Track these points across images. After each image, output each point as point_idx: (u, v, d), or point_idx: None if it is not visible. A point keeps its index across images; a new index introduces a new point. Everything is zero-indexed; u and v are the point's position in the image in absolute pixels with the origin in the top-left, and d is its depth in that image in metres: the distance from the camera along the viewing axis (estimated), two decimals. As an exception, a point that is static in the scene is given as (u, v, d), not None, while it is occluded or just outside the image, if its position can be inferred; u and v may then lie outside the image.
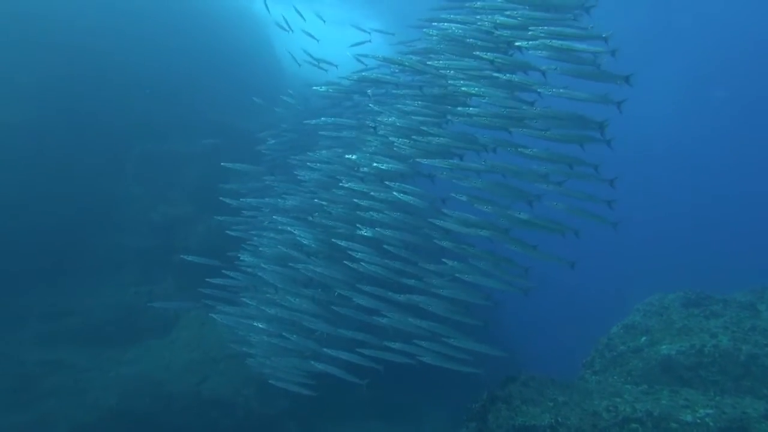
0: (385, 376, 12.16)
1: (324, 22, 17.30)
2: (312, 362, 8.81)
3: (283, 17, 14.56)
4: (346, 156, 8.74)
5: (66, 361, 10.86)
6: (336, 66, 13.20)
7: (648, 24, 24.56)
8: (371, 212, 8.30)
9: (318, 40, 15.37)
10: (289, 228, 9.39)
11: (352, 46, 13.80)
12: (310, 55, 13.30)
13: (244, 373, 10.93)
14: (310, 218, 9.39)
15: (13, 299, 12.00)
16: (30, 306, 12.18)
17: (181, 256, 11.30)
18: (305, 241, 9.19)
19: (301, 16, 15.33)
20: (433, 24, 8.60)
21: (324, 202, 9.21)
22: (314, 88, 10.24)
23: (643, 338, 8.14)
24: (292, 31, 14.29)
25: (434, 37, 8.59)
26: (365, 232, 8.25)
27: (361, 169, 8.55)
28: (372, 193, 8.30)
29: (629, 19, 21.79)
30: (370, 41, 14.15)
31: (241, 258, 10.30)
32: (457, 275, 7.93)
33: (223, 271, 10.36)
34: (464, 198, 7.41)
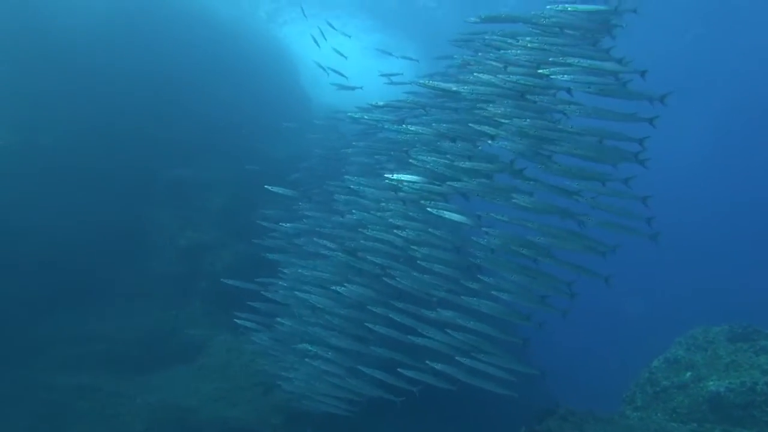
0: (415, 407, 11.98)
1: (349, 37, 17.51)
2: (350, 380, 8.63)
3: (319, 29, 14.81)
4: (386, 175, 8.68)
5: (93, 386, 10.81)
6: (361, 88, 13.40)
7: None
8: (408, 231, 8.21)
9: (346, 57, 15.58)
10: (329, 251, 9.32)
11: (382, 75, 13.91)
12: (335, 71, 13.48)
13: (271, 401, 10.79)
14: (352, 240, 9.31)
15: (41, 324, 12.04)
16: (57, 331, 12.19)
17: (222, 279, 11.24)
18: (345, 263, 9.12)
19: (323, 36, 15.68)
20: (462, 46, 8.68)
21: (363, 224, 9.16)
22: (349, 113, 10.23)
23: (688, 373, 7.83)
24: (320, 45, 14.54)
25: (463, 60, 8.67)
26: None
27: (400, 190, 8.47)
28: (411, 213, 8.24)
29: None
30: (402, 74, 14.26)
31: (279, 279, 10.27)
32: (495, 293, 7.71)
33: (263, 292, 10.31)
34: (505, 219, 7.27)
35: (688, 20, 23.68)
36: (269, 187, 11.26)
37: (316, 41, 15.51)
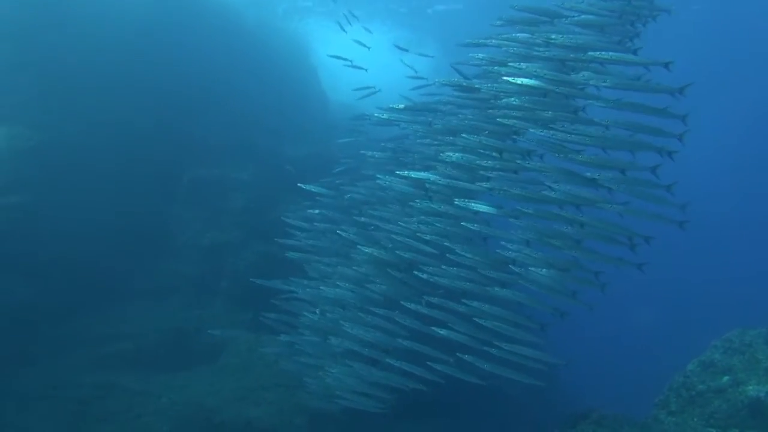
0: (438, 410, 11.87)
1: (371, 32, 17.44)
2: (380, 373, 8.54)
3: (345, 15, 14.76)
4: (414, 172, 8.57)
5: (119, 385, 10.87)
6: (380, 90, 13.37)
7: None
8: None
9: (369, 47, 15.56)
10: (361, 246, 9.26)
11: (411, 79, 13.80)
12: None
13: (294, 401, 10.76)
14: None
15: (66, 324, 12.15)
16: (82, 330, 12.30)
17: (251, 279, 11.24)
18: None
19: (348, 23, 15.70)
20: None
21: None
22: (375, 114, 10.11)
23: (725, 378, 7.58)
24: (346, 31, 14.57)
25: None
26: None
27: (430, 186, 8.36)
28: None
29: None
30: (427, 82, 14.17)
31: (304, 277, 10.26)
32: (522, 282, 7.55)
33: (290, 288, 10.25)
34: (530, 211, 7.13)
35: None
36: (303, 185, 11.19)
37: (342, 27, 15.54)
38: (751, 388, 7.08)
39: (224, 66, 17.16)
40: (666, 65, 7.04)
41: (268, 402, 10.71)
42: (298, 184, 11.49)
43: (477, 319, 7.50)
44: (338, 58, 15.64)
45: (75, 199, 13.05)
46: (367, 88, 13.58)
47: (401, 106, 10.46)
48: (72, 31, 14.42)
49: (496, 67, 8.01)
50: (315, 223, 11.18)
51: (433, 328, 7.97)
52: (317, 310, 9.68)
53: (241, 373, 11.70)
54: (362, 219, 9.94)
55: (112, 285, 13.05)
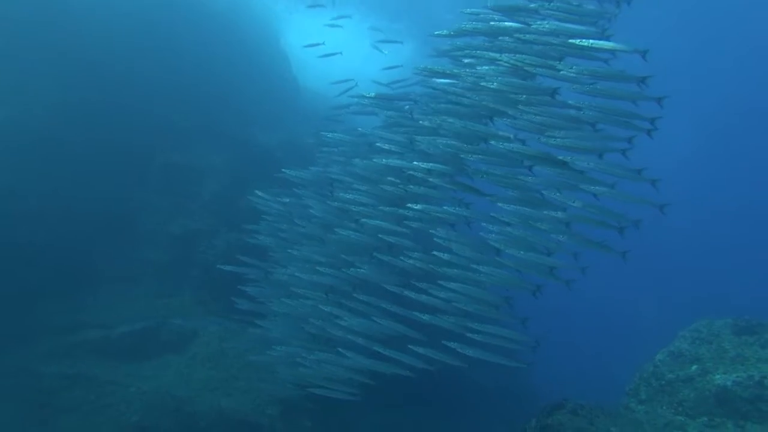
0: (408, 401, 11.92)
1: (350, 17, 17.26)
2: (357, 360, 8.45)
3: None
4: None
5: (85, 375, 10.54)
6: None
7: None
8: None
9: (342, 26, 15.38)
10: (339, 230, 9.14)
11: (385, 69, 13.71)
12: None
13: (267, 391, 10.64)
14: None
15: (29, 312, 11.70)
16: (46, 318, 11.86)
17: (219, 266, 11.02)
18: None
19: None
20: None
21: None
22: (365, 95, 9.92)
23: (694, 367, 7.81)
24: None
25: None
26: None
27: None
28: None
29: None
30: (401, 65, 14.09)
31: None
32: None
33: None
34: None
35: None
36: (286, 171, 10.99)
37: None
38: (718, 377, 7.31)
39: (195, 50, 16.74)
40: (642, 54, 7.11)
41: (240, 391, 10.56)
42: (282, 170, 11.21)
43: (456, 304, 7.47)
44: (314, 45, 15.43)
45: (39, 183, 12.57)
46: (346, 81, 13.41)
47: (372, 94, 10.35)
48: (40, 15, 13.85)
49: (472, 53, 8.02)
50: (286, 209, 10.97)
51: (415, 313, 7.88)
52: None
53: (212, 363, 11.50)
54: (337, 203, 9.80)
55: (76, 272, 12.64)
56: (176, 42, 16.15)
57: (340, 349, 8.52)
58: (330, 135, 11.51)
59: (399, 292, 8.22)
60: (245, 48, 19.59)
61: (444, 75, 8.63)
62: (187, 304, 13.31)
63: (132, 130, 14.36)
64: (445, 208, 7.93)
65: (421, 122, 8.29)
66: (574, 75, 7.18)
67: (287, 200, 11.26)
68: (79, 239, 12.70)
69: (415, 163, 8.01)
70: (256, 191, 11.60)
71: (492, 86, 7.40)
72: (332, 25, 15.48)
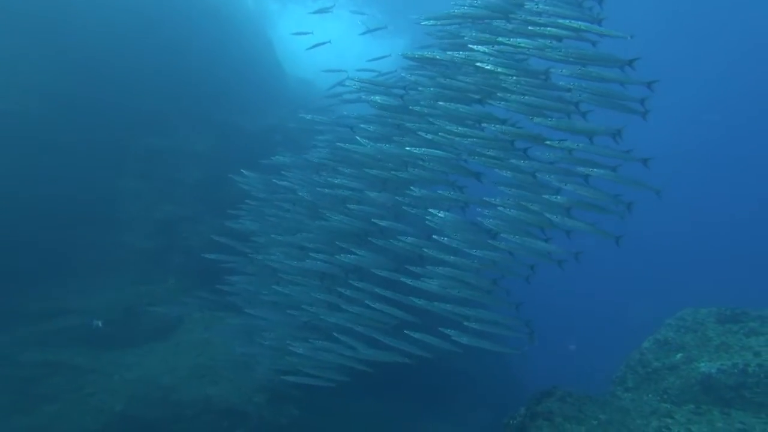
0: (393, 389, 11.95)
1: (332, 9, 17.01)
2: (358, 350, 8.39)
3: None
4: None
5: (66, 363, 10.35)
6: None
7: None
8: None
9: (330, 12, 15.16)
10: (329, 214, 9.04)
11: (371, 60, 13.56)
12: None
13: (254, 379, 10.57)
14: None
15: (9, 298, 11.42)
16: (26, 305, 11.62)
17: (203, 255, 10.77)
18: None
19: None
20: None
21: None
22: (350, 78, 9.76)
23: (679, 355, 7.93)
24: None
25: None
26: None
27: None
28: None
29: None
30: (389, 55, 13.96)
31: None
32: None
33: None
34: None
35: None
36: (278, 158, 10.83)
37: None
38: (703, 364, 7.42)
39: (177, 36, 16.40)
40: (630, 38, 7.08)
41: (226, 379, 10.47)
42: (273, 157, 11.05)
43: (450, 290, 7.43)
44: (302, 34, 15.19)
45: (17, 170, 12.22)
46: (338, 71, 13.23)
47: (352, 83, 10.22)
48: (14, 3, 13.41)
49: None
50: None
51: (411, 298, 7.82)
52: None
53: (197, 350, 11.38)
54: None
55: (57, 258, 12.37)
56: (158, 28, 15.84)
57: (335, 334, 8.43)
58: (309, 117, 11.40)
59: (394, 278, 8.14)
60: (228, 34, 19.28)
61: (432, 61, 8.56)
62: (171, 291, 13.13)
63: (113, 116, 14.06)
64: (440, 192, 7.88)
65: (411, 108, 8.20)
66: (562, 57, 7.11)
67: (275, 182, 11.14)
68: (59, 226, 12.41)
69: (408, 148, 7.93)
70: (242, 170, 11.44)
71: (487, 67, 7.31)
72: (318, 12, 15.18)
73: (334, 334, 8.42)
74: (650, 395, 7.54)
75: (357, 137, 9.00)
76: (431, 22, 8.81)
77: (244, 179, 11.40)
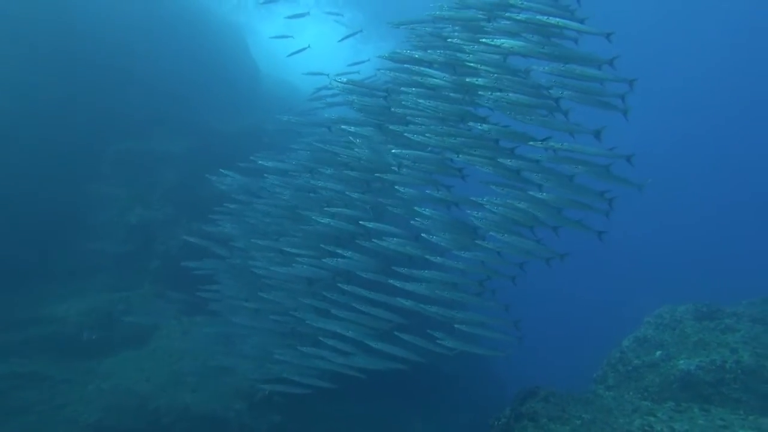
0: (376, 392, 11.88)
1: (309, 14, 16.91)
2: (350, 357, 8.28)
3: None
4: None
5: (38, 374, 10.01)
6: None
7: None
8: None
9: (308, 13, 15.07)
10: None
11: (352, 65, 13.53)
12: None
13: (233, 385, 10.40)
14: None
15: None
16: (-6, 313, 11.24)
17: (182, 263, 10.58)
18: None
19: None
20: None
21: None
22: (335, 80, 9.63)
23: (658, 352, 8.03)
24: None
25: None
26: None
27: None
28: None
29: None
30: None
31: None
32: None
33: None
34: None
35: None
36: (254, 158, 10.67)
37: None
38: (681, 362, 7.54)
39: (148, 36, 16.13)
40: (607, 36, 7.13)
41: (205, 386, 10.26)
42: (251, 157, 10.89)
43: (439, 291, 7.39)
44: (282, 37, 15.04)
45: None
46: (320, 74, 13.13)
47: (343, 80, 10.14)
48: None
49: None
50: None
51: (398, 299, 7.74)
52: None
53: (174, 357, 11.14)
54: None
55: (27, 266, 12.00)
56: (130, 30, 15.51)
57: (322, 339, 8.31)
58: (286, 119, 11.29)
59: (381, 280, 8.07)
60: (202, 36, 19.06)
61: (411, 61, 8.52)
62: (147, 297, 12.84)
63: (85, 118, 13.75)
64: (427, 192, 7.84)
65: (393, 110, 8.14)
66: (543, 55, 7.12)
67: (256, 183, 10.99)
68: (29, 231, 12.08)
69: (394, 150, 7.89)
70: (221, 170, 11.26)
71: (470, 63, 7.31)
72: (293, 17, 15.07)
73: (321, 339, 8.30)
74: (631, 393, 7.63)
75: (350, 138, 8.92)
76: (406, 26, 8.83)
77: (223, 180, 11.20)
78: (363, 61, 13.23)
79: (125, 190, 14.01)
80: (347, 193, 8.72)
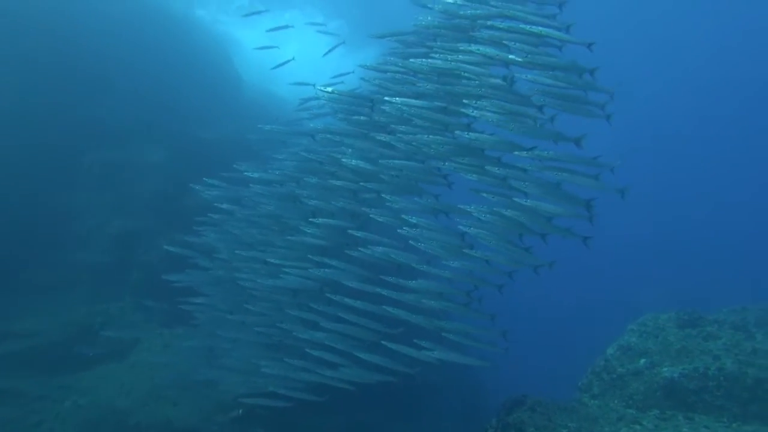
0: (359, 402, 11.77)
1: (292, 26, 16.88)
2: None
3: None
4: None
5: (12, 390, 9.74)
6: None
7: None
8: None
9: (292, 26, 15.05)
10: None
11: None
12: None
13: (215, 398, 10.20)
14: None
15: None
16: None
17: (164, 277, 10.48)
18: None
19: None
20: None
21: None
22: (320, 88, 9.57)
23: (642, 360, 8.08)
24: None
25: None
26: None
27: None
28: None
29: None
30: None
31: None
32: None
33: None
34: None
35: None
36: (237, 166, 10.55)
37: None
38: (665, 369, 7.59)
39: (127, 44, 15.94)
40: (588, 46, 7.18)
41: (187, 400, 10.06)
42: (234, 165, 10.77)
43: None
44: (266, 48, 14.96)
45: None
46: (306, 84, 13.10)
47: (329, 89, 10.10)
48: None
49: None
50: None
51: (384, 307, 7.66)
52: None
53: (155, 371, 10.91)
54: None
55: (5, 277, 11.71)
56: (109, 37, 15.32)
57: (309, 351, 8.21)
58: (268, 128, 11.24)
59: (369, 290, 7.99)
60: (183, 45, 18.90)
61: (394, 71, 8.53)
62: (127, 310, 12.62)
63: (63, 127, 13.53)
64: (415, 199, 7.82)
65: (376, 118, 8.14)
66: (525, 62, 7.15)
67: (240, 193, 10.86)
68: (5, 242, 11.79)
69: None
70: (205, 178, 11.10)
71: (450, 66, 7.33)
72: (275, 30, 15.01)
73: (308, 350, 8.20)
74: (616, 401, 7.65)
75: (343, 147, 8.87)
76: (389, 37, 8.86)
77: (208, 189, 11.04)
78: (347, 73, 13.23)
79: (105, 200, 13.78)
80: (332, 202, 8.67)
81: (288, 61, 14.54)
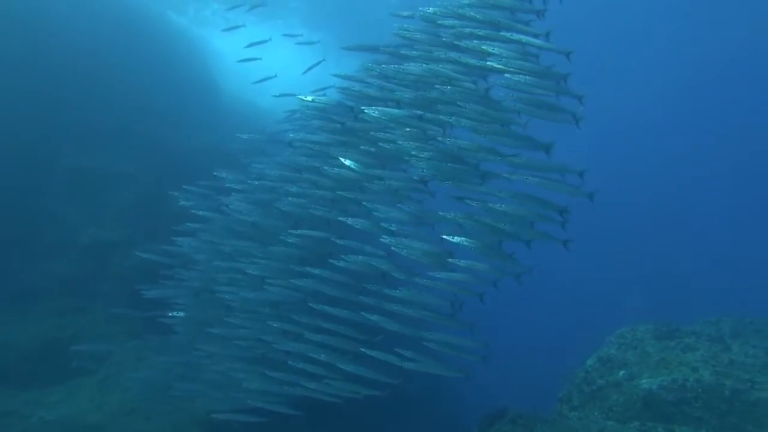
0: (336, 416, 11.61)
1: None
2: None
3: None
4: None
5: (-24, 406, 9.35)
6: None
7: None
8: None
9: (269, 39, 15.00)
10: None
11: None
12: None
13: (189, 412, 9.94)
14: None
15: None
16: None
17: (138, 287, 10.15)
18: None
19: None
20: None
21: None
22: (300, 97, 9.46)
23: (621, 372, 8.12)
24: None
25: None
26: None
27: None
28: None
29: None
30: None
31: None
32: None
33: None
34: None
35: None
36: (217, 173, 10.37)
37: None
38: (644, 381, 7.63)
39: (101, 49, 15.65)
40: (567, 55, 7.22)
41: (161, 414, 9.77)
42: (215, 173, 10.59)
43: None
44: (249, 60, 14.84)
45: None
46: (290, 94, 13.02)
47: (309, 98, 10.03)
48: None
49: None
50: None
51: (363, 314, 7.56)
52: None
53: (126, 385, 10.60)
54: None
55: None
56: (80, 40, 15.04)
57: (291, 362, 8.06)
58: (246, 137, 11.18)
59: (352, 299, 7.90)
60: (160, 51, 18.65)
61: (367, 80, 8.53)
62: (98, 321, 12.27)
63: (32, 132, 13.16)
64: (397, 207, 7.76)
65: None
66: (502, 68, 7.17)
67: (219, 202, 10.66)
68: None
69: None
70: (184, 186, 10.88)
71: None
72: (254, 45, 14.93)
73: (290, 363, 8.06)
74: (596, 413, 7.66)
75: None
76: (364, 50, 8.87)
77: (185, 197, 10.82)
78: (328, 87, 13.21)
79: (76, 209, 13.42)
80: (312, 211, 8.57)
81: (270, 77, 14.47)
